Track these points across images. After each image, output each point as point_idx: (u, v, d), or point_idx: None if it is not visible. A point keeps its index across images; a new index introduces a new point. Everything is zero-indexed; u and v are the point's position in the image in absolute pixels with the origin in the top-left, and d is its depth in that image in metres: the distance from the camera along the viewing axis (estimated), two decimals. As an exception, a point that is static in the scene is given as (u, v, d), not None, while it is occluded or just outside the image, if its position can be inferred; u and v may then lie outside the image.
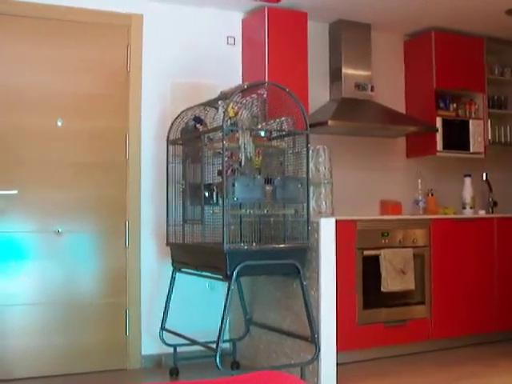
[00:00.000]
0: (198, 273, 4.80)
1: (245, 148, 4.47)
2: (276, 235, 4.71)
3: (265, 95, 4.77)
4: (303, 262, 4.49)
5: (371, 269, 5.45)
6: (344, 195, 5.88)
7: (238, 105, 4.64)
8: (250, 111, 4.73)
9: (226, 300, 4.23)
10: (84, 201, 5.21)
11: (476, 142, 6.51)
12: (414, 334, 5.63)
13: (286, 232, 4.67)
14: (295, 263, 4.40)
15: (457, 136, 6.42)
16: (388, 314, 5.55)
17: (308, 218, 4.48)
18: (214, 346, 4.27)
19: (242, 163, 4.51)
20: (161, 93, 5.48)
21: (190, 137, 4.99)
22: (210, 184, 4.63)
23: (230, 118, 4.48)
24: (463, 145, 6.45)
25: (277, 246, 4.51)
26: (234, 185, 4.26)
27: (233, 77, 5.70)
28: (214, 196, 4.58)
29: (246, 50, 5.83)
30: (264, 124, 4.76)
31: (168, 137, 5.17)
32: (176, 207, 5.08)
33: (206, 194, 4.62)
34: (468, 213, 6.42)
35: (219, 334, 4.19)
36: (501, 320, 6.08)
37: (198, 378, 2.99)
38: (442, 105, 6.48)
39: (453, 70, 6.44)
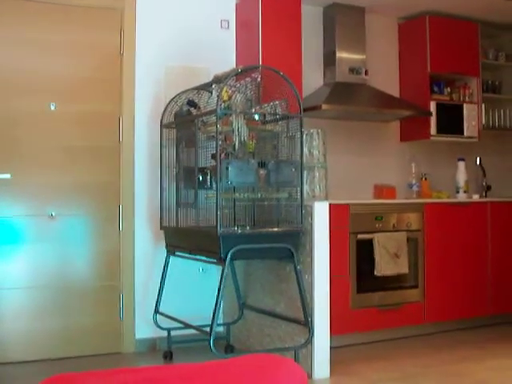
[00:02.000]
0: (192, 256, 4.81)
1: (238, 132, 4.47)
2: (270, 219, 4.72)
3: (259, 79, 4.76)
4: (297, 245, 4.49)
5: (365, 253, 5.46)
6: (338, 179, 5.89)
7: (232, 88, 4.63)
8: (244, 95, 4.72)
9: (220, 284, 4.24)
10: (77, 184, 5.20)
11: (470, 126, 6.51)
12: (407, 317, 5.65)
13: (279, 216, 4.67)
14: (289, 247, 4.41)
15: (451, 120, 6.42)
16: (381, 298, 5.57)
17: (302, 202, 4.48)
18: (208, 329, 4.27)
19: (236, 147, 4.51)
20: (154, 76, 5.46)
21: (183, 120, 4.98)
22: (203, 168, 4.63)
23: (223, 101, 4.47)
24: (457, 129, 6.46)
25: (270, 229, 4.52)
26: (227, 168, 4.26)
27: (227, 60, 5.67)
28: (208, 180, 4.58)
29: (240, 34, 5.81)
30: (258, 108, 4.76)
31: (162, 120, 5.16)
32: (170, 191, 5.08)
33: (200, 178, 4.61)
34: (462, 197, 6.43)
35: (213, 317, 4.19)
36: (494, 303, 6.10)
37: (192, 361, 3.00)
38: (436, 89, 6.47)
39: (447, 54, 6.43)
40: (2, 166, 4.99)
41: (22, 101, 5.05)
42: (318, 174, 5.13)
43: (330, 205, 4.61)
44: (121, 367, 4.70)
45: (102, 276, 5.27)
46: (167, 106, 5.17)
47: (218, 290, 4.24)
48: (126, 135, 5.34)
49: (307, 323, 4.41)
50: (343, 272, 5.33)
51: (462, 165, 6.54)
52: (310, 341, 4.44)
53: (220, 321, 5.34)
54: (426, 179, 6.49)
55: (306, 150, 4.96)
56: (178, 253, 5.01)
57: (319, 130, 5.19)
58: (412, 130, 6.52)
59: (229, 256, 4.22)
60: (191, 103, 4.94)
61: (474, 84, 6.65)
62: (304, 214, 4.50)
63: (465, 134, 6.50)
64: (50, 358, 5.01)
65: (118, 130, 5.34)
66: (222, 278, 4.24)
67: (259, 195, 4.65)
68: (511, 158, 7.22)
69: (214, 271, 5.30)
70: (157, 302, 5.07)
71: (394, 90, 6.53)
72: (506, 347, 5.38)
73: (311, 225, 4.51)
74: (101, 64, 5.32)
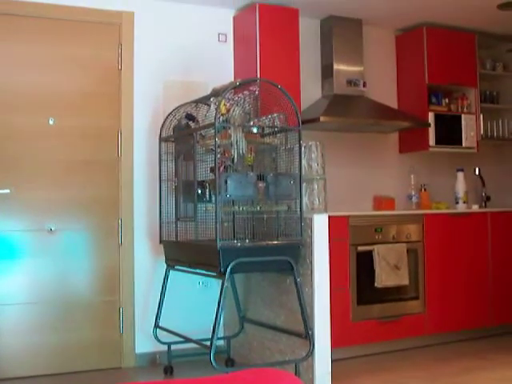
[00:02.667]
0: (192, 270, 4.80)
1: (237, 145, 4.47)
2: (269, 232, 4.71)
3: (257, 92, 4.76)
4: (297, 258, 4.48)
5: (365, 265, 5.45)
6: (337, 191, 5.89)
7: (230, 102, 4.64)
8: (242, 108, 4.72)
9: (220, 297, 4.22)
10: (77, 199, 5.20)
11: (468, 137, 6.52)
12: (408, 329, 5.63)
13: (279, 228, 4.66)
14: (289, 260, 4.40)
15: (449, 131, 6.43)
16: (382, 310, 5.55)
17: (301, 215, 4.48)
18: (208, 343, 4.26)
19: (235, 160, 4.51)
20: (153, 91, 5.47)
21: (182, 134, 4.98)
22: (202, 181, 4.63)
23: (222, 114, 4.47)
24: (456, 139, 6.46)
25: (270, 242, 4.51)
26: (226, 182, 4.26)
27: (225, 74, 5.69)
28: (207, 193, 4.58)
29: (238, 47, 5.83)
30: (256, 120, 4.76)
31: (160, 134, 5.16)
32: (169, 205, 5.08)
33: (199, 191, 4.61)
34: (461, 207, 6.43)
35: (213, 331, 4.18)
36: (495, 314, 6.09)
37: (193, 375, 2.99)
38: (434, 100, 6.48)
39: (445, 65, 6.44)
40: (1, 181, 4.99)
41: (21, 116, 5.06)
42: (316, 187, 5.13)
43: (329, 217, 4.60)
44: (121, 382, 4.70)
45: (101, 290, 5.26)
46: (166, 119, 5.18)
47: (218, 304, 4.22)
48: (124, 149, 5.35)
49: (308, 336, 4.39)
50: (343, 284, 5.32)
51: (461, 175, 6.54)
52: (310, 354, 4.42)
53: (220, 334, 5.32)
54: (425, 190, 6.49)
55: (304, 162, 4.96)
56: (177, 267, 5.00)
57: (318, 143, 5.19)
58: (411, 142, 6.53)
59: (228, 269, 4.21)
60: (189, 117, 4.94)
61: (472, 94, 6.66)
62: (303, 227, 4.49)
63: (463, 144, 6.50)
64: (50, 374, 5.00)
65: (116, 144, 5.34)
66: (221, 292, 4.23)
67: (258, 208, 4.64)
68: (510, 167, 7.22)
69: (214, 285, 5.29)
70: (157, 316, 5.05)
71: (392, 102, 6.54)
72: (508, 358, 5.36)
73: (311, 237, 4.50)
74: (99, 79, 5.33)
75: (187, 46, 5.63)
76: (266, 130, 4.72)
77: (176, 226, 4.98)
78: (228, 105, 4.58)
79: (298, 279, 4.41)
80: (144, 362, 5.32)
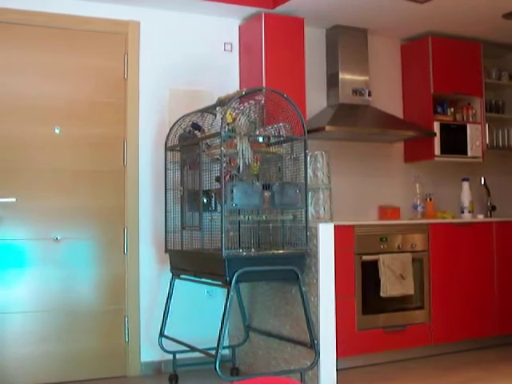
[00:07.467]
0: (197, 279, 4.80)
1: (243, 154, 4.48)
2: (275, 241, 4.71)
3: (262, 101, 4.77)
4: (302, 267, 4.48)
5: (370, 274, 5.45)
6: (342, 200, 5.88)
7: (236, 111, 4.64)
8: (248, 117, 4.73)
9: (226, 306, 4.22)
10: (82, 208, 5.21)
11: (474, 147, 6.52)
12: (413, 339, 5.62)
13: (284, 238, 4.66)
14: (294, 269, 4.40)
15: (455, 140, 6.42)
16: (387, 319, 5.54)
17: (306, 224, 4.48)
18: (213, 352, 4.26)
19: (241, 169, 4.52)
20: (159, 100, 5.48)
21: (188, 143, 4.99)
22: (208, 190, 4.63)
23: (227, 124, 4.48)
24: (461, 149, 6.46)
25: (276, 251, 4.51)
26: (232, 191, 4.26)
27: (230, 83, 5.70)
28: (213, 202, 4.58)
29: (244, 57, 5.84)
30: (262, 130, 4.76)
31: (166, 143, 5.17)
32: (174, 214, 5.08)
33: (205, 201, 4.62)
34: (466, 217, 6.42)
35: (219, 340, 4.18)
36: (501, 324, 6.07)
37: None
38: (439, 109, 6.48)
39: (450, 75, 6.45)
40: (8, 189, 5.00)
41: (27, 125, 5.07)
42: (322, 196, 5.13)
43: (334, 226, 4.61)
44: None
45: (107, 299, 5.26)
46: (171, 128, 5.19)
47: (224, 313, 4.22)
48: (130, 158, 5.36)
49: (313, 345, 4.39)
50: (349, 293, 5.32)
51: (466, 185, 6.53)
52: (316, 363, 4.41)
53: (225, 343, 5.32)
54: (430, 200, 6.48)
55: (310, 171, 4.96)
56: (183, 276, 5.00)
57: (323, 152, 5.19)
58: (416, 151, 6.52)
59: (234, 279, 4.21)
60: (195, 126, 4.95)
61: (478, 104, 6.66)
62: (309, 236, 4.49)
63: (469, 154, 6.50)
64: (54, 382, 4.99)
65: (122, 153, 5.35)
66: (227, 301, 4.23)
67: (264, 217, 4.65)
68: (516, 177, 7.23)
69: (219, 294, 5.29)
70: (162, 325, 5.05)
71: (397, 111, 6.54)
72: (511, 369, 5.34)
73: (316, 246, 4.50)
74: (105, 88, 5.34)
75: (193, 55, 5.64)
76: (272, 140, 4.72)
77: (181, 235, 4.98)
78: (234, 114, 4.59)
79: (304, 288, 4.41)
80: (149, 371, 5.32)
